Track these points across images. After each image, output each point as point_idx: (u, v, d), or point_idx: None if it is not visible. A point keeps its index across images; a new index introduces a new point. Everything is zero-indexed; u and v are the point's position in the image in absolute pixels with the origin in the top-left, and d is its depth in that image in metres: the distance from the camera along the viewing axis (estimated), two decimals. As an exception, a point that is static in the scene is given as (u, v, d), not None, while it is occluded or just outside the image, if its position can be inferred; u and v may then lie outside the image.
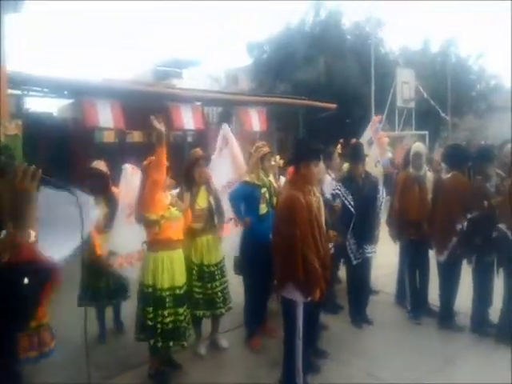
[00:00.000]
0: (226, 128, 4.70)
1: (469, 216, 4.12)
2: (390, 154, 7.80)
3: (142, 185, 3.40)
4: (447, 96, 20.73)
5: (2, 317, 1.09)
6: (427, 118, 17.87)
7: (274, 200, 4.04)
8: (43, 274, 1.17)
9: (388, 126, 16.26)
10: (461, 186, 4.27)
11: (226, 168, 4.51)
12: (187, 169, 3.83)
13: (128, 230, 3.73)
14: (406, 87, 13.83)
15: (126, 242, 3.83)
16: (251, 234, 4.00)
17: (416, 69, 15.16)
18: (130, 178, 3.96)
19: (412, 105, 14.25)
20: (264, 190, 4.04)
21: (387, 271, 5.23)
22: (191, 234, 3.77)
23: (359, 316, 4.53)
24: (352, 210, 4.31)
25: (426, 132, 13.93)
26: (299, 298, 3.03)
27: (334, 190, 4.40)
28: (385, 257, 5.22)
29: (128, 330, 4.04)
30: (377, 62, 14.92)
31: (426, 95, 15.26)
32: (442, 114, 17.09)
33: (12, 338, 1.16)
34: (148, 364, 3.53)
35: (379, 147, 5.77)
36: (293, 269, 2.95)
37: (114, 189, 4.12)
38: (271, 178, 4.25)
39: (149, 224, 3.33)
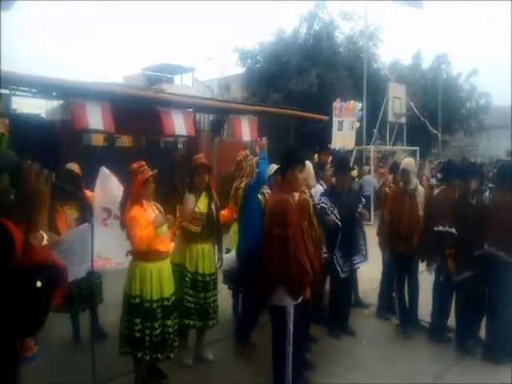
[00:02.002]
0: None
1: (445, 228, 4.08)
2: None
3: (126, 191, 3.30)
4: (438, 113, 21.05)
5: (15, 320, 1.07)
6: (418, 133, 18.08)
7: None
8: (54, 278, 1.15)
9: (380, 141, 16.39)
10: (447, 198, 4.27)
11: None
12: (189, 174, 3.84)
13: (105, 233, 3.61)
14: (397, 102, 13.91)
15: (102, 246, 3.68)
16: (253, 244, 3.85)
17: (407, 84, 15.33)
18: (105, 181, 3.86)
19: (403, 120, 14.34)
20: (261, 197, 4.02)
21: (377, 285, 5.18)
22: (188, 237, 3.70)
23: (340, 327, 4.51)
24: (339, 223, 4.30)
25: (417, 148, 14.02)
26: (289, 302, 3.05)
27: (319, 203, 4.37)
28: (375, 271, 5.17)
29: (110, 338, 3.91)
30: (369, 77, 15.06)
31: (416, 111, 15.43)
32: (433, 131, 17.27)
33: (16, 340, 1.13)
34: (133, 373, 3.39)
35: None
36: (286, 270, 2.98)
37: (87, 192, 4.01)
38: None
39: (131, 241, 3.22)
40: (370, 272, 5.23)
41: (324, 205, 4.35)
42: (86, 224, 3.28)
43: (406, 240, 4.51)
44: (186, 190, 3.83)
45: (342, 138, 6.20)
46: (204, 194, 3.83)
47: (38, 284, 1.09)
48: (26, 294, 1.06)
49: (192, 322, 3.72)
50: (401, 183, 4.73)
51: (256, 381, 3.50)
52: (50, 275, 1.14)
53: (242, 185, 4.16)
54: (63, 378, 3.37)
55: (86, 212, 3.79)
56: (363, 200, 5.05)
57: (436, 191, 4.55)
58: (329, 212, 4.31)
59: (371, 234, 5.24)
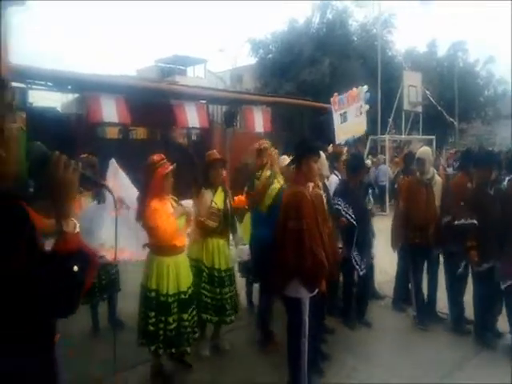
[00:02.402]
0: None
1: (467, 221, 4.01)
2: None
3: (145, 183, 3.28)
4: (455, 101, 20.62)
5: (55, 304, 1.13)
6: (434, 122, 17.78)
7: None
8: (87, 262, 1.22)
9: (395, 130, 16.16)
10: (463, 187, 4.21)
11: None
12: (205, 170, 3.82)
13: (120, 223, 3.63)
14: (412, 91, 13.66)
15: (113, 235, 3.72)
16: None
17: (423, 72, 15.03)
18: (116, 173, 3.90)
19: (419, 109, 14.09)
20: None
21: (392, 276, 5.14)
22: (204, 233, 3.71)
23: (357, 319, 4.50)
24: (354, 223, 4.30)
25: (433, 136, 13.79)
26: (305, 294, 3.03)
27: (334, 202, 4.34)
28: (391, 262, 5.13)
29: (127, 327, 3.97)
30: (383, 65, 14.81)
31: (432, 100, 15.13)
32: (450, 119, 16.95)
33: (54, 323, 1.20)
34: (149, 363, 3.44)
35: None
36: (301, 263, 2.96)
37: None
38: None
39: (152, 234, 3.24)
40: (385, 263, 5.19)
41: (339, 206, 4.33)
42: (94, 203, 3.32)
43: (421, 230, 4.44)
44: (201, 186, 3.80)
45: (348, 128, 6.12)
46: (220, 189, 3.83)
47: (75, 269, 1.16)
48: (65, 279, 1.13)
49: (209, 317, 3.74)
50: (417, 173, 4.66)
51: (272, 371, 3.51)
52: (83, 259, 1.21)
53: (264, 174, 4.02)
54: (82, 367, 3.43)
55: (100, 201, 3.83)
56: (370, 197, 4.94)
57: (452, 181, 4.47)
58: (343, 213, 4.29)
59: (388, 224, 5.18)
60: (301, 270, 2.98)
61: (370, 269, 4.74)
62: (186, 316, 3.29)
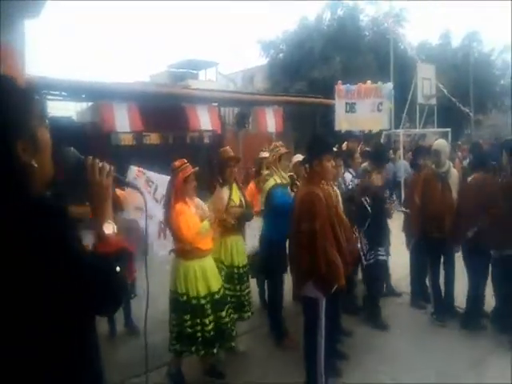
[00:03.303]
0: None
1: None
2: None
3: (170, 189, 3.34)
4: (470, 92, 20.20)
5: (101, 304, 1.19)
6: (449, 114, 17.44)
7: None
8: (126, 261, 1.24)
9: (409, 124, 15.93)
10: (486, 186, 4.08)
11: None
12: (220, 168, 3.84)
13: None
14: (426, 83, 13.41)
15: None
16: (282, 234, 3.85)
17: (437, 64, 14.77)
18: (135, 180, 3.93)
19: (433, 101, 13.81)
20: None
21: (407, 273, 5.09)
22: (222, 231, 3.73)
23: (370, 322, 4.43)
24: (368, 208, 4.22)
25: (449, 129, 13.52)
26: (320, 295, 3.01)
27: (350, 185, 4.32)
28: (407, 258, 5.07)
29: (142, 332, 4.01)
30: (396, 58, 14.60)
31: (446, 92, 14.84)
32: (466, 110, 16.61)
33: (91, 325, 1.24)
34: (166, 366, 3.47)
35: None
36: (314, 265, 2.93)
37: (119, 192, 4.08)
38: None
39: (177, 236, 3.29)
40: (401, 259, 5.13)
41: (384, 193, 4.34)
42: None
43: (438, 223, 4.35)
44: (216, 184, 3.81)
45: (357, 120, 6.04)
46: (235, 186, 3.87)
47: (118, 269, 1.20)
48: (110, 279, 1.18)
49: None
50: (432, 165, 4.58)
51: (288, 371, 3.51)
52: (124, 260, 1.28)
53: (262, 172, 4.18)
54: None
55: (117, 210, 3.89)
56: (393, 196, 4.88)
57: (469, 180, 4.33)
58: (360, 196, 4.24)
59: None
60: (314, 271, 2.95)
61: (384, 267, 4.63)
62: (223, 313, 3.33)
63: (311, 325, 3.09)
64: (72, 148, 1.30)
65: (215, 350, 3.30)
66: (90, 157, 1.30)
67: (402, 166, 12.24)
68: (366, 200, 4.24)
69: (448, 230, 4.32)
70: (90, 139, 8.79)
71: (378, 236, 4.38)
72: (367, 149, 5.00)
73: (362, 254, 4.29)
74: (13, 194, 1.06)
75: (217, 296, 3.33)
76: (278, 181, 3.99)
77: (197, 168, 3.37)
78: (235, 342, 3.46)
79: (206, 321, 3.23)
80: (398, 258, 5.12)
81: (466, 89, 20.15)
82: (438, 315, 4.44)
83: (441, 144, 4.72)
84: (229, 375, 3.55)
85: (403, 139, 13.07)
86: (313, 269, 2.95)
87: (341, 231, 3.14)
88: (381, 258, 4.43)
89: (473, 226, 4.05)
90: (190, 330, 3.21)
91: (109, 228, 1.26)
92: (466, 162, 11.77)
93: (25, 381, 1.06)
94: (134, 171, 4.00)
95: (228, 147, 4.09)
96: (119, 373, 3.42)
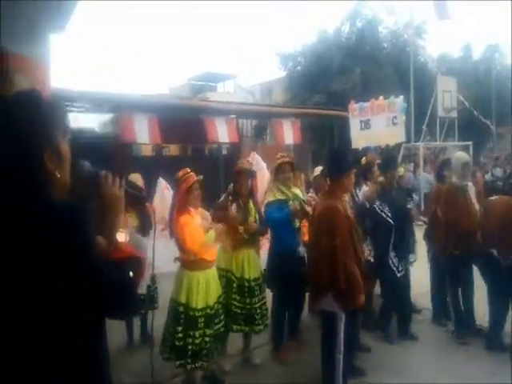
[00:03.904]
0: (255, 157, 4.62)
1: None
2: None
3: (174, 199, 3.38)
4: (492, 105, 19.87)
5: (115, 306, 1.23)
6: (470, 127, 17.17)
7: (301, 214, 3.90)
8: (137, 267, 1.33)
9: (429, 137, 15.72)
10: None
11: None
12: (234, 181, 3.82)
13: (161, 243, 3.72)
14: (447, 96, 13.30)
15: (158, 256, 3.81)
16: (285, 248, 3.92)
17: (458, 77, 14.61)
18: (164, 193, 3.98)
19: (454, 114, 13.66)
20: (294, 202, 3.85)
21: (427, 289, 4.96)
22: (235, 243, 3.71)
23: (400, 333, 4.35)
24: (391, 221, 4.16)
25: (470, 142, 13.30)
26: (339, 310, 2.95)
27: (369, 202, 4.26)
28: (427, 273, 4.95)
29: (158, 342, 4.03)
30: (416, 71, 14.52)
31: (467, 105, 14.62)
32: (488, 124, 16.31)
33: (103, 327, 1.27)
34: (181, 377, 3.46)
35: None
36: (334, 280, 2.88)
37: (148, 204, 4.11)
38: (295, 189, 4.03)
39: (181, 247, 3.30)
40: (421, 274, 5.01)
41: (374, 205, 4.22)
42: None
43: (464, 239, 4.20)
44: (230, 197, 3.80)
45: (373, 136, 6.07)
46: (250, 200, 3.84)
47: (131, 274, 1.26)
48: (123, 283, 1.24)
49: (239, 328, 3.74)
50: (453, 179, 4.46)
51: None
52: (134, 265, 1.32)
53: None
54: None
55: (145, 221, 3.93)
56: (415, 197, 4.86)
57: (495, 198, 4.25)
58: (379, 211, 4.18)
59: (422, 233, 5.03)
60: (334, 288, 2.90)
61: (407, 277, 4.51)
62: (208, 331, 3.28)
63: (329, 340, 3.03)
64: (87, 162, 1.35)
65: (199, 365, 3.24)
66: (104, 171, 1.36)
67: (422, 178, 12.09)
68: (385, 213, 4.18)
69: (474, 246, 4.18)
70: (111, 150, 8.97)
71: (404, 244, 4.31)
72: (378, 161, 5.00)
73: (393, 266, 4.18)
74: (37, 198, 1.11)
75: (209, 311, 3.29)
76: (278, 196, 3.92)
77: (201, 176, 3.35)
78: (208, 364, 3.39)
79: (197, 334, 3.20)
80: (418, 273, 5.00)
81: (487, 102, 19.84)
82: (459, 333, 4.31)
83: (465, 156, 4.66)
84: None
85: (423, 152, 12.91)
86: (332, 283, 2.90)
87: (360, 246, 3.10)
88: (410, 265, 4.44)
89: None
90: (180, 343, 3.18)
91: (121, 236, 1.33)
92: (488, 176, 11.53)
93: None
94: (162, 184, 4.07)
95: (245, 160, 4.07)
96: (135, 381, 3.42)
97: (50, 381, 1.09)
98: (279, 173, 3.98)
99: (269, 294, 4.28)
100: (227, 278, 3.71)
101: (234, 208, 3.64)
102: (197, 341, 3.21)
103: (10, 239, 1.06)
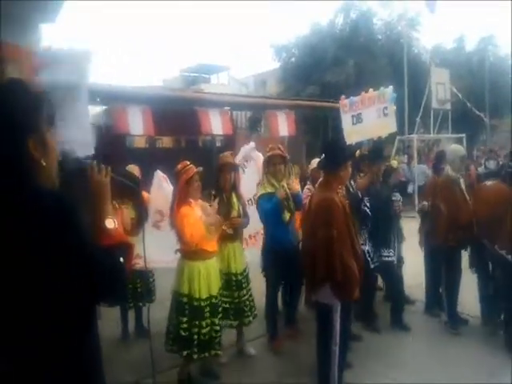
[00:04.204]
0: (250, 147, 4.57)
1: None
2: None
3: (175, 192, 3.36)
4: (485, 97, 19.93)
5: (106, 291, 1.25)
6: (464, 120, 17.23)
7: (292, 206, 3.92)
8: (127, 253, 1.35)
9: (423, 130, 15.77)
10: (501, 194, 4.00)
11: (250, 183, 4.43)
12: (218, 174, 3.79)
13: (157, 235, 3.71)
14: (440, 88, 13.31)
15: (154, 248, 3.80)
16: (275, 241, 3.95)
17: (451, 69, 14.62)
18: (160, 184, 3.97)
19: (448, 106, 13.70)
20: (279, 190, 3.86)
21: (421, 280, 5.01)
22: (219, 238, 3.70)
23: (394, 323, 4.44)
24: (368, 212, 4.19)
25: (463, 135, 13.36)
26: (336, 301, 2.95)
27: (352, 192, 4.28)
28: (418, 266, 4.99)
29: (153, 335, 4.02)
30: (409, 63, 14.50)
31: (461, 97, 14.66)
32: (481, 116, 16.38)
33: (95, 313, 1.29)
34: (177, 369, 3.46)
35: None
36: (330, 271, 2.88)
37: (144, 194, 4.10)
38: (284, 183, 3.95)
39: (181, 238, 3.29)
40: (415, 266, 5.05)
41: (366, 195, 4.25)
42: None
43: (463, 230, 4.25)
44: (214, 191, 3.78)
45: (365, 129, 6.04)
46: (233, 194, 3.83)
47: (121, 260, 1.28)
48: (114, 268, 1.25)
49: (229, 322, 3.76)
50: (449, 172, 4.46)
51: (303, 378, 3.46)
52: (125, 252, 1.34)
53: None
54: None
55: (141, 212, 3.91)
56: (399, 197, 4.82)
57: (484, 184, 4.27)
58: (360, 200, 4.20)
59: (416, 226, 5.05)
60: (330, 277, 2.90)
61: (391, 268, 4.52)
62: (216, 320, 3.31)
63: (325, 332, 3.03)
64: (74, 152, 1.39)
65: (207, 354, 3.27)
66: (92, 160, 1.39)
67: (417, 170, 12.13)
68: (363, 202, 4.19)
69: (470, 238, 4.25)
70: (104, 142, 8.90)
71: (382, 238, 4.32)
72: (365, 152, 4.98)
73: (368, 257, 4.20)
74: (23, 186, 1.12)
75: (214, 300, 3.32)
76: (268, 189, 3.92)
77: (200, 168, 3.35)
78: (221, 351, 3.43)
79: (204, 323, 3.22)
80: (412, 265, 5.04)
81: (481, 94, 19.90)
82: (452, 323, 4.36)
83: (460, 148, 4.70)
84: (231, 376, 3.53)
85: (417, 145, 12.95)
86: (329, 274, 2.89)
87: (356, 237, 3.10)
88: (385, 259, 4.36)
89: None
90: (185, 333, 3.19)
91: (110, 223, 1.34)
92: (481, 169, 11.62)
93: (25, 375, 1.08)
94: (159, 175, 4.05)
95: (228, 153, 3.98)
96: (133, 373, 3.45)
97: (42, 368, 1.10)
98: (270, 165, 3.97)
99: (260, 286, 4.31)
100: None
101: (216, 203, 3.58)
102: (204, 330, 3.22)
103: None
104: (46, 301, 1.08)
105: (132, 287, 4.07)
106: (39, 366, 1.09)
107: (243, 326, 3.89)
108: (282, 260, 3.86)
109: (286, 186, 3.91)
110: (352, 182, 4.49)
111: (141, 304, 4.25)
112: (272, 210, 3.81)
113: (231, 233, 3.73)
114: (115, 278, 1.24)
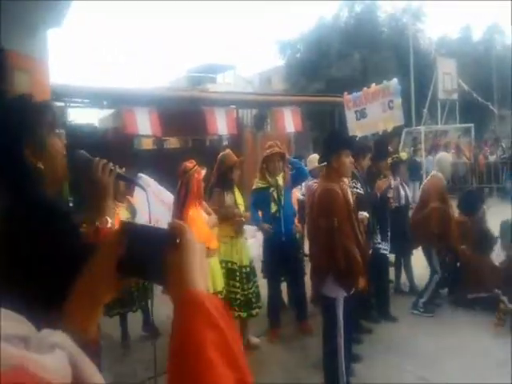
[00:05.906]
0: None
1: None
2: None
3: (181, 191, 3.34)
4: (493, 86, 19.70)
5: None
6: (472, 110, 17.06)
7: (283, 200, 4.06)
8: None
9: (430, 121, 15.64)
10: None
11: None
12: (226, 173, 3.79)
13: None
14: (447, 78, 13.19)
15: None
16: (272, 234, 4.13)
17: (458, 59, 14.47)
18: (146, 188, 4.00)
19: (455, 96, 13.57)
20: (272, 189, 4.08)
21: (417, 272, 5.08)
22: (233, 234, 3.77)
23: (380, 314, 4.48)
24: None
25: (472, 125, 13.21)
26: (340, 293, 2.97)
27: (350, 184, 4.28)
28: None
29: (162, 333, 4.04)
30: (415, 54, 14.40)
31: (466, 87, 14.49)
32: (489, 106, 16.18)
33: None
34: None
35: None
36: (333, 262, 2.90)
37: (128, 197, 4.14)
38: (279, 178, 4.12)
39: None
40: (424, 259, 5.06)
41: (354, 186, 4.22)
42: None
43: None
44: (217, 188, 3.80)
45: (370, 123, 5.99)
46: (237, 190, 3.89)
47: None
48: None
49: (240, 314, 3.79)
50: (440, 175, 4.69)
51: (311, 371, 3.49)
52: None
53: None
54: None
55: (134, 214, 3.98)
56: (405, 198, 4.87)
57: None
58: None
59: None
60: (334, 269, 2.92)
61: (382, 259, 4.53)
62: None
63: (330, 326, 3.04)
64: (82, 150, 1.36)
65: None
66: (97, 158, 1.36)
67: (425, 163, 12.02)
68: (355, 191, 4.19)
69: None
70: (112, 145, 9.00)
71: (373, 230, 4.32)
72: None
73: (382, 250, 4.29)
74: (18, 191, 1.13)
75: (220, 296, 3.33)
76: (260, 184, 4.12)
77: (204, 169, 3.38)
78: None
79: None
80: (422, 257, 5.02)
81: (488, 83, 19.68)
82: (426, 308, 4.55)
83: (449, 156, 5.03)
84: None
85: (425, 136, 12.85)
86: (332, 265, 2.92)
87: (359, 228, 3.12)
88: (383, 252, 4.41)
89: None
90: None
91: (102, 222, 1.32)
92: (491, 158, 11.49)
93: None
94: (142, 179, 4.13)
95: (229, 150, 4.01)
96: (139, 373, 3.49)
97: None
98: (269, 162, 4.06)
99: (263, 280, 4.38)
100: (227, 269, 3.73)
101: (229, 200, 3.67)
102: None
103: None
104: (38, 305, 1.09)
105: (128, 291, 3.90)
106: None
107: (252, 317, 3.93)
108: (277, 252, 4.07)
109: (281, 181, 4.10)
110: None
111: (143, 304, 4.19)
112: (261, 203, 4.10)
113: (242, 227, 3.82)
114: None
